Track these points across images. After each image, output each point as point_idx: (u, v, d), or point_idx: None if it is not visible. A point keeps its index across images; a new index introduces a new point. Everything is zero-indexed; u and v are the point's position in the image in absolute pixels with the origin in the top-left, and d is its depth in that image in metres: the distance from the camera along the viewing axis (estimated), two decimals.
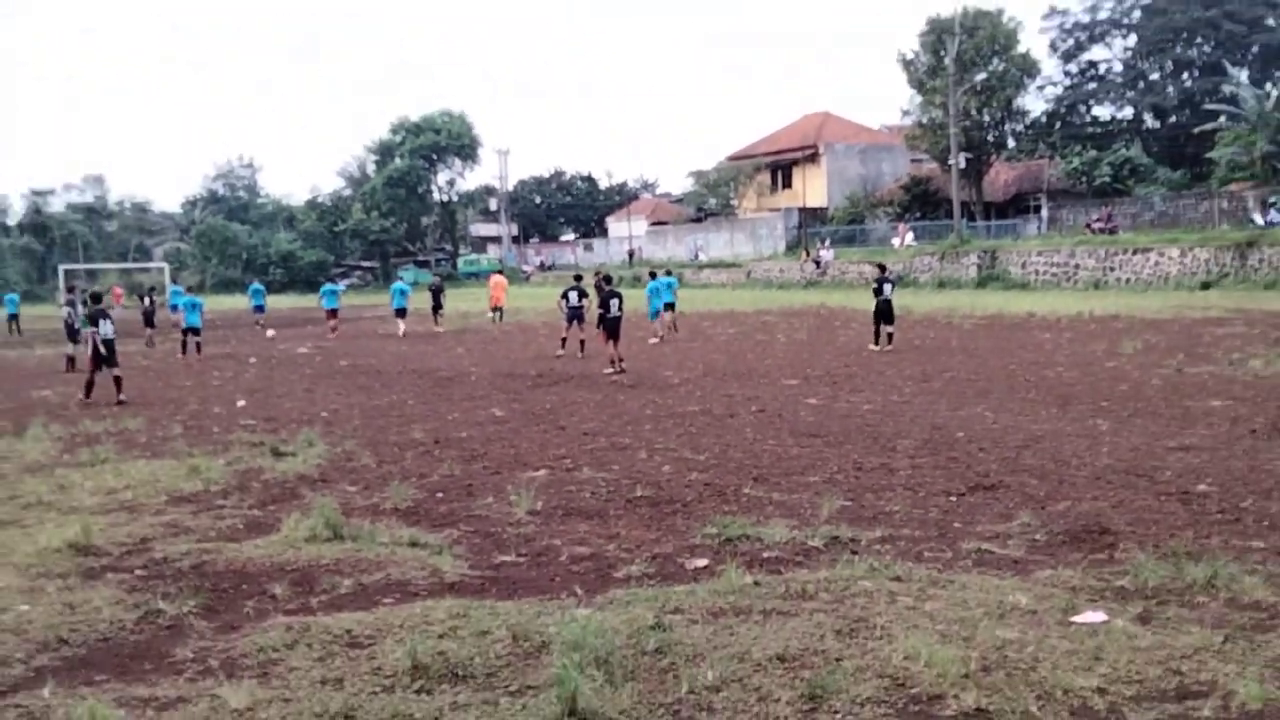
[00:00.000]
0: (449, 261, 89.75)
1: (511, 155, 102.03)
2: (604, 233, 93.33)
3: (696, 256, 68.57)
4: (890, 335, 23.17)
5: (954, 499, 9.25)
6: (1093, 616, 6.09)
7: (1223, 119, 50.64)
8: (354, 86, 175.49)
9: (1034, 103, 64.98)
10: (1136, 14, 66.62)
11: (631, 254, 75.95)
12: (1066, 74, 69.71)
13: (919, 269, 49.38)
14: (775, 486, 9.93)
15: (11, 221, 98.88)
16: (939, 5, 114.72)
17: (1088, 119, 68.83)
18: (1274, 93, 48.06)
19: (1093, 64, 70.11)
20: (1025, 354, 20.96)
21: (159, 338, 33.22)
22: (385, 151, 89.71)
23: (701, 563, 7.55)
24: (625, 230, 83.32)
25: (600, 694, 5.07)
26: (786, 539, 8.00)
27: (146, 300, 37.32)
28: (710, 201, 76.56)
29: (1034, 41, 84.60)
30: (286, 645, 6.04)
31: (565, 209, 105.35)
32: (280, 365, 25.19)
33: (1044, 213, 56.36)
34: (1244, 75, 54.04)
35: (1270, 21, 63.75)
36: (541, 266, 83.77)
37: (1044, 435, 12.11)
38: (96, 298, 20.46)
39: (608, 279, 23.06)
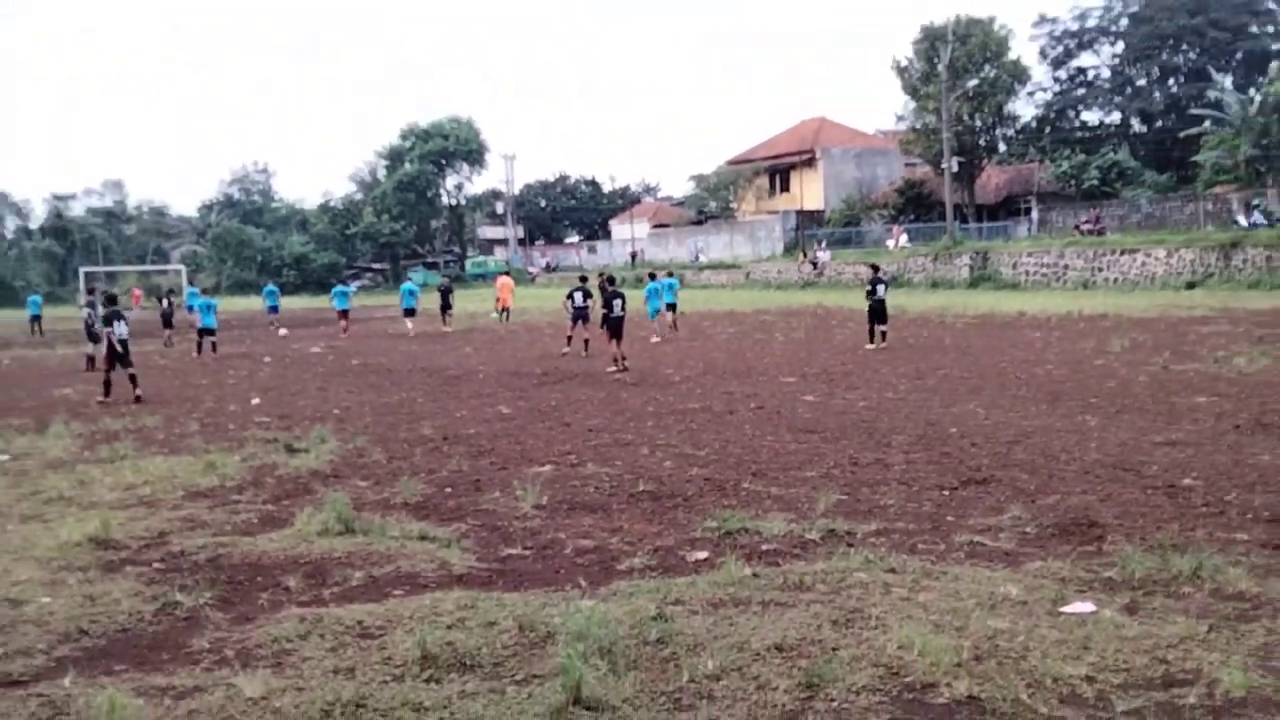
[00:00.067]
0: (457, 263, 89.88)
1: (517, 160, 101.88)
2: (607, 235, 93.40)
3: (697, 258, 68.56)
4: (884, 334, 23.14)
5: (947, 493, 9.25)
6: (1081, 607, 6.09)
7: (1207, 123, 50.63)
8: (361, 90, 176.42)
9: (1024, 108, 65.18)
10: (1124, 22, 66.62)
11: (634, 256, 75.96)
12: (1056, 80, 69.81)
13: (913, 270, 49.36)
14: (773, 481, 9.93)
15: (34, 225, 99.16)
16: (933, 13, 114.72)
17: (1076, 124, 68.87)
18: (1257, 98, 48.04)
19: (1081, 70, 70.17)
20: (1016, 352, 20.94)
21: (177, 338, 33.23)
22: (395, 157, 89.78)
23: (702, 555, 7.55)
24: (628, 233, 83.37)
25: (604, 683, 5.08)
26: (784, 532, 8.00)
27: (165, 302, 37.40)
28: (710, 204, 76.59)
29: (1024, 49, 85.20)
30: (300, 636, 6.05)
31: (570, 212, 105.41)
32: (293, 364, 25.22)
33: (1034, 215, 56.33)
34: (1228, 81, 54.02)
35: (1254, 29, 63.74)
36: (547, 268, 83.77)
37: (1034, 431, 12.10)
38: (112, 299, 20.49)
39: (611, 280, 23.06)
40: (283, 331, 37.36)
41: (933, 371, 18.31)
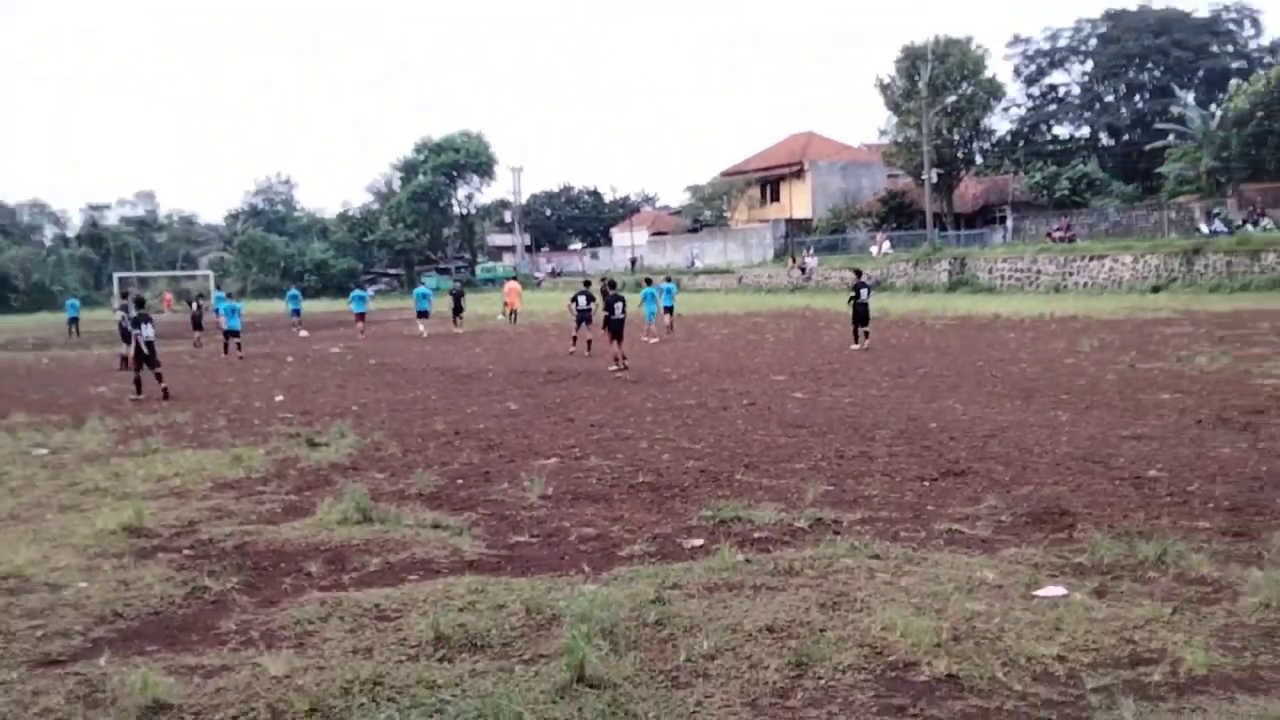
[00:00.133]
0: (468, 269, 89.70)
1: (524, 172, 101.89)
2: (608, 242, 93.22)
3: (693, 264, 68.50)
4: (866, 334, 23.13)
5: (927, 484, 9.25)
6: (1053, 591, 6.09)
7: (1171, 137, 50.71)
8: (369, 92, 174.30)
9: (999, 123, 65.16)
10: (1093, 42, 66.65)
11: (634, 261, 75.86)
12: (1029, 96, 69.87)
13: (895, 274, 49.33)
14: (765, 473, 9.94)
15: (71, 233, 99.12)
16: (914, 34, 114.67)
17: (1048, 137, 68.87)
18: (1218, 113, 48.12)
19: (1053, 87, 70.22)
20: (992, 352, 20.94)
21: (205, 339, 33.22)
22: (410, 169, 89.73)
23: (698, 542, 7.56)
24: (628, 240, 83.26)
25: (606, 662, 5.08)
26: (775, 520, 8.01)
27: (194, 305, 37.44)
28: (705, 213, 76.58)
29: (999, 67, 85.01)
30: (321, 618, 6.05)
31: (573, 220, 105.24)
32: (314, 364, 25.21)
33: (1009, 223, 56.34)
34: (1190, 97, 54.21)
35: (1214, 48, 63.78)
36: (552, 273, 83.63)
37: (1009, 425, 12.11)
38: (140, 302, 20.44)
39: (612, 284, 23.04)
40: (303, 333, 37.34)
41: (914, 370, 18.31)
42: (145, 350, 18.13)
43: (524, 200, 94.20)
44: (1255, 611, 5.65)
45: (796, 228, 66.19)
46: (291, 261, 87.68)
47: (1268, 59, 59.19)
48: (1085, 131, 68.35)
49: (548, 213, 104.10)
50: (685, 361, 21.55)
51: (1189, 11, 64.53)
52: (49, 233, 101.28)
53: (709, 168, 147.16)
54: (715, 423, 13.19)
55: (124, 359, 24.23)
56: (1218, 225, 41.64)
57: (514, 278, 55.60)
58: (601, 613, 5.64)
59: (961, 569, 6.55)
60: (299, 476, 10.63)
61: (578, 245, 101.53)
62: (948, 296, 42.74)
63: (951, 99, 56.21)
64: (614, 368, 20.23)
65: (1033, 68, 69.30)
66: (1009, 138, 67.03)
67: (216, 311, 34.18)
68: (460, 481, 10.11)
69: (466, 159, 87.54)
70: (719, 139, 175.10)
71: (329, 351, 28.81)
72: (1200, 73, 63.07)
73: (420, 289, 38.09)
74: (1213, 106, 50.64)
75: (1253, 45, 64.36)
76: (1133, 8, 65.60)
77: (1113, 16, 65.50)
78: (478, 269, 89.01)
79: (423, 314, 35.34)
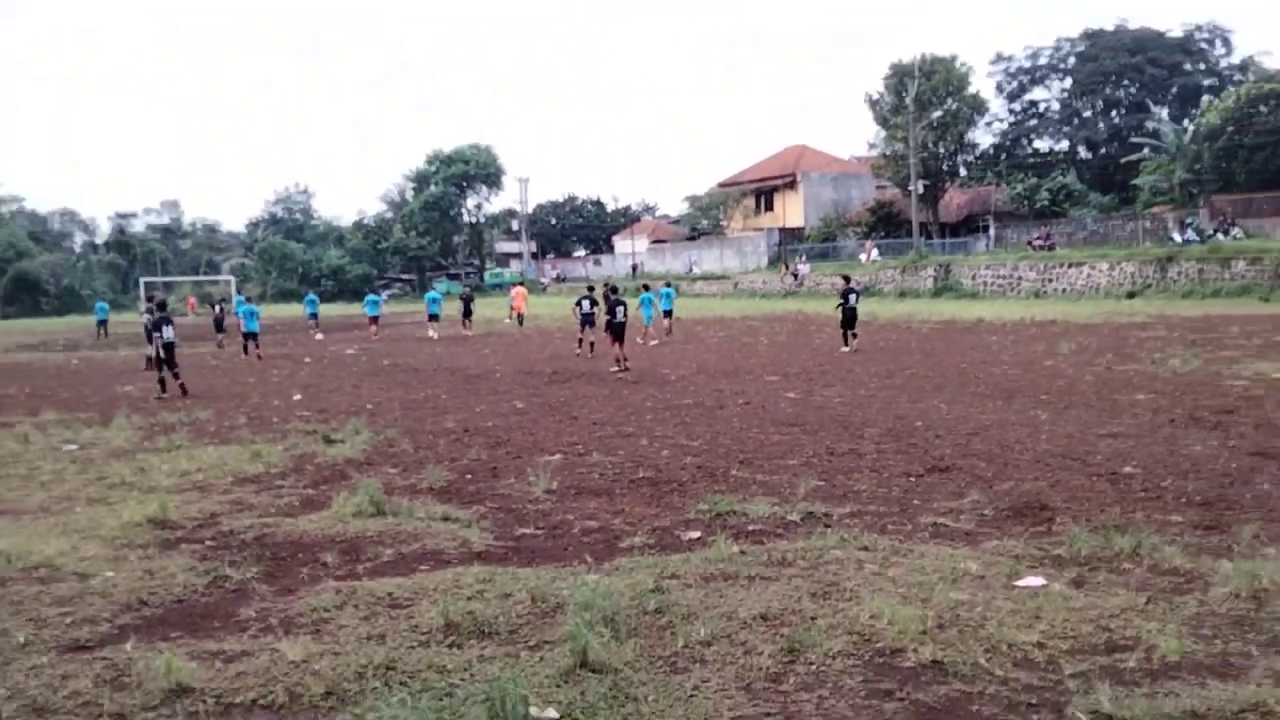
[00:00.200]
0: (477, 274, 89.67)
1: (530, 182, 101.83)
2: (611, 249, 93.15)
3: (691, 270, 68.47)
4: (854, 335, 23.13)
5: (913, 479, 9.25)
6: (1033, 581, 6.09)
7: (1146, 151, 50.69)
8: (399, 120, 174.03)
9: (983, 136, 65.10)
10: (1071, 60, 66.62)
11: (635, 268, 75.80)
12: (1011, 111, 69.79)
13: (883, 281, 49.32)
14: (759, 469, 9.93)
15: (99, 240, 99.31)
16: (901, 52, 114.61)
17: (1029, 150, 68.77)
18: (1190, 128, 48.15)
19: (1033, 103, 70.15)
20: (975, 354, 20.94)
21: (227, 341, 33.23)
22: (422, 180, 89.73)
23: (695, 535, 7.55)
24: (629, 247, 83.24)
25: (607, 648, 5.08)
26: (768, 514, 8.00)
27: (217, 309, 37.43)
28: (703, 222, 76.50)
29: (983, 84, 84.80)
30: (336, 606, 6.05)
31: (577, 229, 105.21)
32: (330, 365, 25.22)
33: (991, 232, 56.31)
34: (1164, 113, 54.18)
35: (1187, 66, 63.73)
36: (557, 279, 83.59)
37: (991, 424, 12.10)
38: (161, 305, 20.42)
39: (614, 290, 23.05)
40: (319, 336, 37.34)
41: (900, 371, 18.31)
42: (163, 352, 18.18)
43: (530, 209, 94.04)
44: (1225, 601, 5.65)
45: (789, 236, 66.20)
46: (309, 267, 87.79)
47: (1238, 77, 59.18)
48: (1064, 145, 68.30)
49: (553, 221, 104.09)
50: (683, 363, 21.55)
51: (1163, 31, 64.49)
52: (79, 239, 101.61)
53: (707, 178, 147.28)
54: (712, 421, 13.18)
55: (149, 359, 24.26)
56: (1190, 234, 41.63)
57: (521, 283, 55.45)
58: (603, 601, 5.64)
59: (946, 560, 6.54)
60: (316, 471, 10.63)
61: (582, 252, 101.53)
62: (933, 302, 42.76)
63: (937, 114, 56.19)
64: (615, 369, 20.23)
65: (1014, 84, 69.28)
66: (992, 151, 66.95)
67: (238, 315, 34.27)
68: (469, 477, 10.11)
69: (476, 170, 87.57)
70: (718, 138, 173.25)
71: (344, 353, 28.81)
72: (1174, 89, 63.03)
73: (431, 294, 38.13)
74: (1185, 122, 50.67)
75: (1224, 64, 64.34)
76: (1110, 27, 65.65)
77: (1091, 36, 65.51)
78: (486, 275, 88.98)
79: (434, 317, 35.41)
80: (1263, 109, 46.41)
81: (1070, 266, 41.33)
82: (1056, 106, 69.21)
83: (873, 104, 58.77)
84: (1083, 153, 67.08)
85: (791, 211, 69.69)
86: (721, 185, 76.57)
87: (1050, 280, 41.82)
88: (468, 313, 36.32)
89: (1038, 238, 48.85)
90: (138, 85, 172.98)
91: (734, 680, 4.80)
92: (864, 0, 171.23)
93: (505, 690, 4.37)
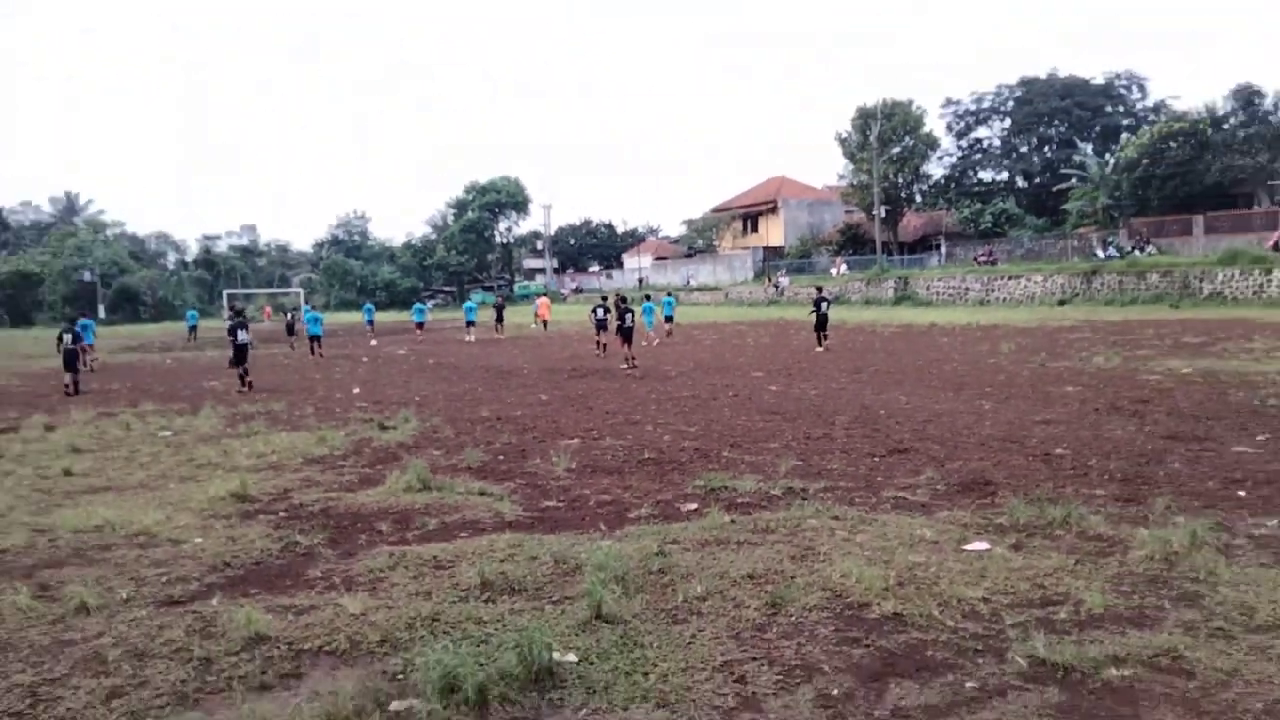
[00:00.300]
0: (508, 287, 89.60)
1: (553, 209, 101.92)
2: (621, 265, 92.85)
3: (688, 282, 68.33)
4: (825, 336, 23.09)
5: (877, 459, 9.23)
6: (979, 545, 6.08)
7: (1074, 180, 50.53)
8: (443, 157, 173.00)
9: (935, 168, 64.64)
10: (1010, 103, 66.27)
11: (641, 280, 75.60)
12: (959, 147, 69.30)
13: (851, 292, 49.21)
14: (746, 451, 9.92)
15: (189, 258, 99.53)
16: (865, 96, 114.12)
17: (975, 180, 68.40)
18: (1111, 160, 47.96)
19: (978, 140, 69.71)
20: (929, 353, 20.89)
21: (297, 344, 33.29)
22: (461, 207, 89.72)
23: (692, 506, 7.55)
24: (636, 263, 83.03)
25: (619, 602, 5.09)
26: (754, 489, 7.99)
27: (288, 316, 37.53)
28: (698, 242, 76.38)
29: (935, 123, 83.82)
30: (389, 567, 6.06)
31: (592, 248, 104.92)
32: (384, 363, 25.24)
33: (943, 249, 56.12)
34: (1089, 148, 53.93)
35: (1109, 108, 63.46)
36: (575, 290, 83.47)
37: (943, 412, 12.08)
38: (238, 313, 20.46)
39: (623, 299, 23.06)
40: (373, 341, 37.42)
41: (866, 368, 18.28)
42: (236, 353, 18.35)
43: (552, 231, 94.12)
44: (1142, 562, 5.64)
45: (772, 254, 66.10)
46: (366, 281, 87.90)
47: (1152, 117, 58.79)
48: (1004, 175, 67.99)
49: (571, 241, 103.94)
50: (682, 361, 21.53)
51: (1088, 79, 64.16)
52: (171, 258, 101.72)
53: (701, 205, 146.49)
54: (706, 410, 13.18)
55: (231, 359, 24.30)
56: (1111, 251, 41.50)
57: (544, 294, 55.56)
58: (615, 563, 5.64)
59: (905, 528, 6.53)
60: (372, 454, 10.65)
61: (596, 268, 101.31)
62: (893, 309, 42.67)
63: (896, 150, 56.05)
64: (625, 366, 20.22)
65: (962, 124, 68.88)
66: (943, 180, 66.61)
67: (305, 321, 34.39)
68: (501, 457, 10.11)
69: (506, 198, 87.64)
70: (706, 195, 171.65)
71: (396, 353, 28.84)
72: (1097, 128, 62.66)
73: (468, 303, 38.18)
74: (1107, 155, 50.43)
75: (1140, 106, 63.96)
76: (1043, 75, 65.32)
77: (1026, 83, 65.24)
78: (515, 287, 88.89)
79: (470, 323, 35.46)
80: (1172, 145, 46.24)
81: (1010, 279, 41.21)
82: (998, 143, 68.82)
83: (842, 141, 58.66)
84: (1020, 182, 66.80)
85: (773, 233, 69.59)
86: (714, 211, 76.54)
87: (993, 290, 41.70)
88: (500, 319, 36.39)
89: (982, 254, 48.72)
90: (230, 128, 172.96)
91: (725, 629, 4.80)
92: (833, 55, 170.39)
93: (532, 638, 4.37)
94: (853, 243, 62.15)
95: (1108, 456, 8.84)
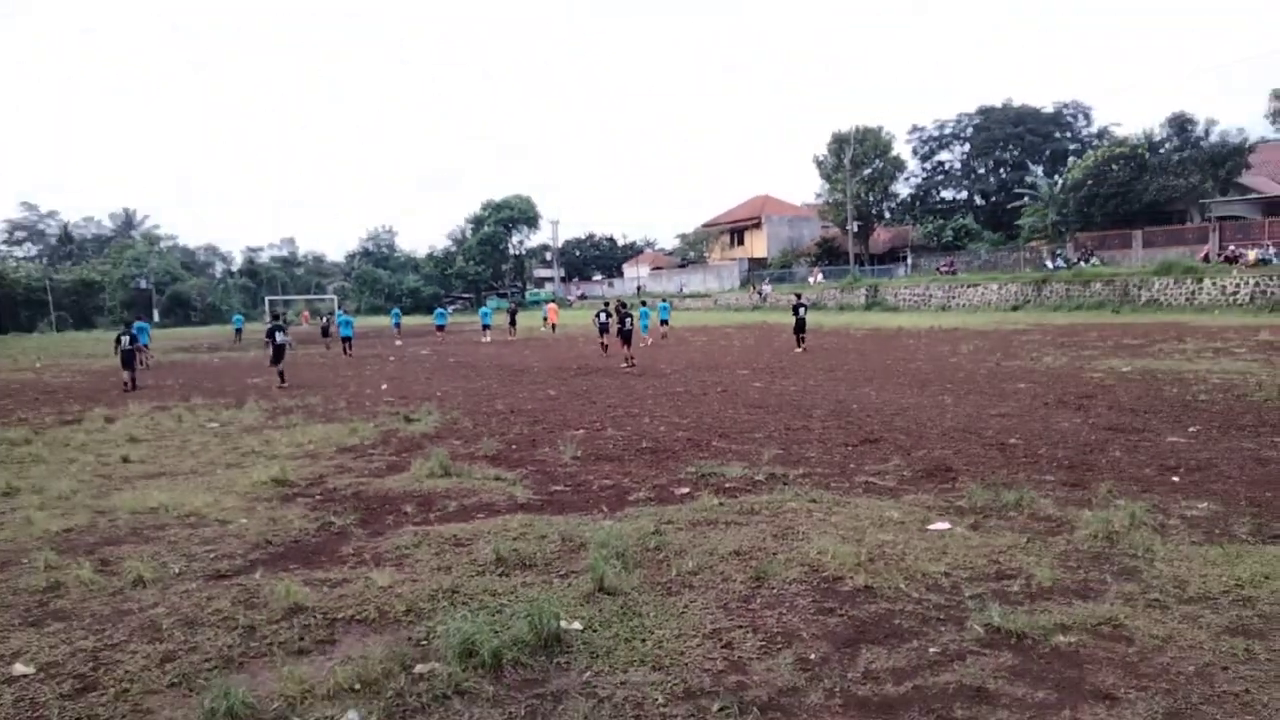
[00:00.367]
0: (520, 294, 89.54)
1: (560, 224, 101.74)
2: (621, 274, 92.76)
3: (681, 290, 68.22)
4: (803, 338, 23.08)
5: (850, 448, 9.23)
6: (941, 525, 6.09)
7: (1026, 199, 50.49)
8: (467, 158, 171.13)
9: (902, 188, 64.44)
10: (969, 129, 66.19)
11: (639, 288, 75.53)
12: (923, 169, 69.08)
13: (827, 298, 49.17)
14: (733, 440, 9.93)
15: (234, 268, 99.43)
16: (840, 123, 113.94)
17: (938, 199, 68.23)
18: (1060, 181, 47.96)
19: (941, 163, 69.54)
20: (897, 353, 20.89)
21: (331, 345, 33.25)
22: (478, 222, 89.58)
23: (685, 490, 7.55)
24: (635, 273, 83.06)
25: (619, 576, 5.09)
26: (741, 475, 8.00)
27: (323, 320, 37.50)
28: (690, 253, 76.35)
29: (902, 148, 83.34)
30: (414, 545, 6.06)
31: (595, 259, 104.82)
32: (409, 362, 25.21)
33: (909, 260, 56.12)
34: (1040, 170, 53.95)
35: (1057, 135, 63.41)
36: (580, 297, 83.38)
37: (909, 406, 12.08)
38: (276, 316, 20.49)
39: (623, 305, 23.05)
40: (398, 342, 37.37)
41: (840, 367, 18.27)
42: (272, 354, 18.38)
43: (560, 244, 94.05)
44: (1086, 541, 5.65)
45: (756, 265, 66.07)
46: (393, 288, 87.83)
47: (1096, 142, 58.74)
48: (964, 194, 67.83)
49: (577, 253, 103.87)
50: (676, 360, 21.52)
51: (1039, 107, 64.07)
52: (219, 268, 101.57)
53: (693, 220, 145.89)
54: (698, 405, 13.18)
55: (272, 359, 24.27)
56: (1059, 262, 41.53)
57: (553, 300, 55.42)
58: (616, 541, 5.65)
59: (875, 510, 6.54)
60: (398, 443, 10.65)
61: (599, 276, 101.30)
62: (865, 314, 42.65)
63: (867, 171, 56.08)
64: (624, 365, 20.20)
65: (926, 148, 68.69)
66: (909, 199, 66.49)
67: (339, 324, 34.39)
68: (514, 446, 10.11)
69: (518, 215, 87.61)
70: (696, 211, 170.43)
71: (420, 353, 28.80)
72: (1047, 152, 62.60)
73: (484, 309, 38.13)
74: (1056, 176, 50.40)
75: (1085, 132, 63.88)
76: (999, 104, 65.26)
77: (984, 111, 65.22)
78: (527, 294, 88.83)
79: (486, 327, 35.42)
80: (1114, 167, 46.21)
81: (969, 287, 41.21)
82: (958, 165, 68.69)
83: (818, 164, 58.72)
84: (978, 200, 66.68)
85: (758, 246, 69.56)
86: (705, 226, 76.57)
87: (954, 298, 41.70)
88: (513, 323, 36.34)
89: (944, 265, 48.72)
90: (267, 148, 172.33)
91: (715, 600, 4.80)
92: (809, 81, 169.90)
93: (542, 608, 4.38)
94: (828, 255, 62.17)
95: (1056, 446, 8.85)
